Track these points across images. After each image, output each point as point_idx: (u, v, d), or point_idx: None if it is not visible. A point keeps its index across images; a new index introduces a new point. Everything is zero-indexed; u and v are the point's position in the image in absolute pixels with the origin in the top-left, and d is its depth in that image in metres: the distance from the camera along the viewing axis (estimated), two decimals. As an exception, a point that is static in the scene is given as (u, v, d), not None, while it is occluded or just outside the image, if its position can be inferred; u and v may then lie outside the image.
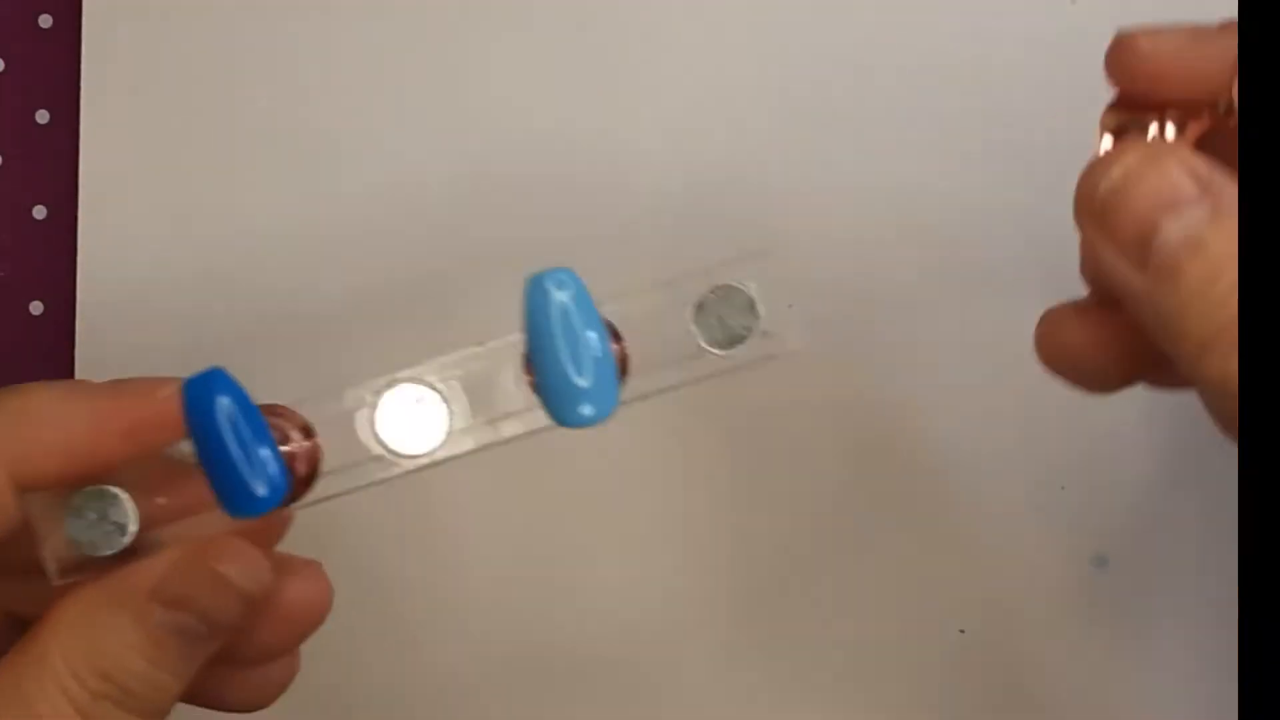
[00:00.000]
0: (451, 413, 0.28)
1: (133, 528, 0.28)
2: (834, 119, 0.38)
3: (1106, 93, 0.38)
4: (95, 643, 0.28)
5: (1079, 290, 0.34)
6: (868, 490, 0.39)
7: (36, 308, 0.39)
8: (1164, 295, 0.27)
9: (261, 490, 0.27)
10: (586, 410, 0.27)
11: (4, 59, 0.40)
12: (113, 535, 0.28)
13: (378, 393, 0.28)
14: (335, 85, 0.39)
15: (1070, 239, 0.37)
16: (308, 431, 0.28)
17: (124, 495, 0.28)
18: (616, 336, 0.28)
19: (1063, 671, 0.38)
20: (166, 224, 0.39)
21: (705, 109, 0.39)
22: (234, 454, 0.26)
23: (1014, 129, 0.38)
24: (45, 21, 0.40)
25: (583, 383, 0.26)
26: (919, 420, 0.39)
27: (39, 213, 0.39)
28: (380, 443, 0.28)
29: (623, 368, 0.28)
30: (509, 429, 0.28)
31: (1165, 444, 0.31)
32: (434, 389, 0.28)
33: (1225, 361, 0.26)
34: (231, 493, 0.27)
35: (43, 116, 0.39)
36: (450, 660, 0.39)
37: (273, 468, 0.27)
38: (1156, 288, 0.27)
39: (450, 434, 0.28)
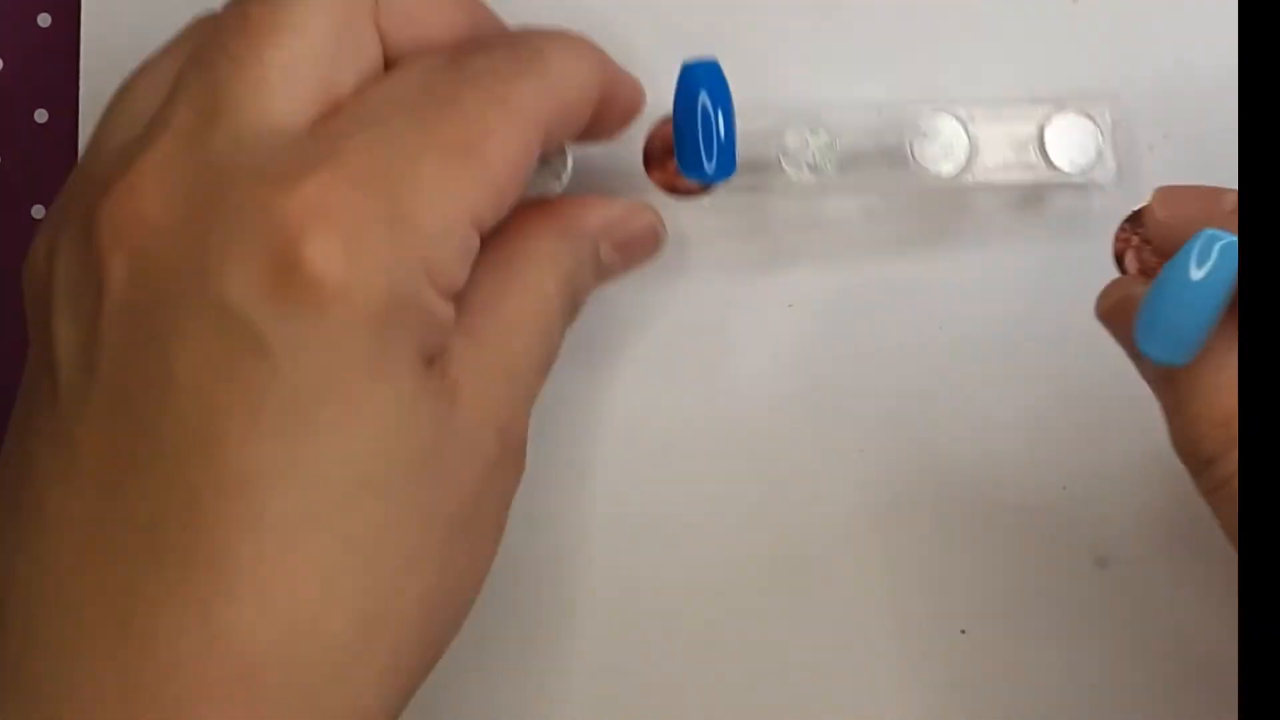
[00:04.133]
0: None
1: (567, 179, 0.35)
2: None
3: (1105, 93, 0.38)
4: (572, 270, 0.35)
5: (1068, 285, 0.34)
6: (868, 490, 0.39)
7: (35, 307, 0.39)
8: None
9: (712, 169, 0.34)
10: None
11: (3, 58, 0.40)
12: (551, 183, 0.35)
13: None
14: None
15: (1073, 240, 0.38)
16: None
17: (568, 151, 0.35)
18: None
19: (1063, 672, 0.38)
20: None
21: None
22: (704, 133, 0.33)
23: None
24: (44, 20, 0.40)
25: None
26: (920, 419, 0.39)
27: (37, 212, 0.39)
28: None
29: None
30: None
31: (1166, 444, 0.31)
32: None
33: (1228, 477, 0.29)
34: (692, 160, 0.34)
35: (41, 116, 0.39)
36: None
37: (729, 154, 0.34)
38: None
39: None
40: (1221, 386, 0.29)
